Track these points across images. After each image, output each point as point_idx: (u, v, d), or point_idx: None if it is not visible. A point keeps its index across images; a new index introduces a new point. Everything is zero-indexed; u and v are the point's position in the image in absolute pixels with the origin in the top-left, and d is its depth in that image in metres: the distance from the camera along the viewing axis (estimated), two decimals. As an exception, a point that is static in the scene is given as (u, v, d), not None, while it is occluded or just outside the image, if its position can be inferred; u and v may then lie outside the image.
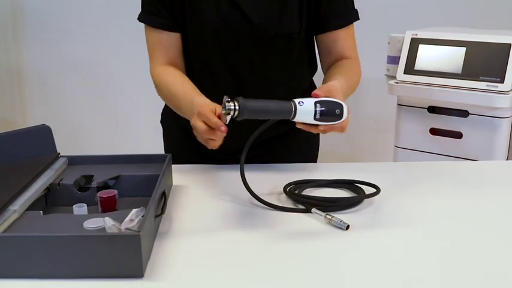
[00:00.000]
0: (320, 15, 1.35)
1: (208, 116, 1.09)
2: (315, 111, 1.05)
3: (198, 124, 1.11)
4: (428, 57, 2.04)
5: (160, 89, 1.38)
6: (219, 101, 1.24)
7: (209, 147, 1.14)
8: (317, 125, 1.09)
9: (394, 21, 2.45)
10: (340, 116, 1.07)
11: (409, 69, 2.06)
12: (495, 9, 2.76)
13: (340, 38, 1.38)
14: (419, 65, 2.05)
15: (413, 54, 2.06)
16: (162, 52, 1.38)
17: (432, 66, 2.03)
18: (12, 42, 2.98)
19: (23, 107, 3.08)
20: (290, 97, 1.30)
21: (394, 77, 2.11)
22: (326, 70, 1.43)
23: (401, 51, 2.10)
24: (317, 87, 1.53)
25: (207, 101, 1.20)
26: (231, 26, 1.32)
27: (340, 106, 1.08)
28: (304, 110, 1.06)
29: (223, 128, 1.07)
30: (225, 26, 1.32)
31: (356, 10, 1.40)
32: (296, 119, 1.07)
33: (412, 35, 2.09)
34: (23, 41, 2.97)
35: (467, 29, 2.13)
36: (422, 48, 2.06)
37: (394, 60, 2.15)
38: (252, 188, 1.18)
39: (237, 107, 1.05)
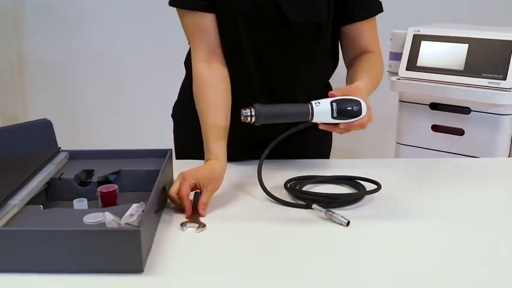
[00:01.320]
0: (346, 6, 1.36)
1: (182, 195, 1.13)
2: (332, 110, 1.07)
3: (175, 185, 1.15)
4: (430, 53, 2.03)
5: (196, 97, 1.34)
6: (245, 88, 1.22)
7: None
8: (337, 124, 1.11)
9: (396, 17, 2.44)
10: (359, 112, 1.08)
11: (411, 65, 2.06)
12: (498, 6, 2.76)
13: (364, 30, 1.39)
14: (421, 61, 2.05)
15: (415, 51, 2.06)
16: (203, 39, 1.33)
17: (434, 62, 2.02)
18: (13, 36, 2.97)
19: (24, 101, 3.08)
20: (311, 89, 1.29)
21: (396, 74, 2.11)
22: (349, 63, 1.42)
23: (403, 47, 2.09)
24: (332, 88, 1.53)
25: (208, 166, 1.22)
26: (261, 13, 1.30)
27: (358, 103, 1.09)
28: (321, 110, 1.08)
29: (187, 214, 1.11)
30: (255, 13, 1.30)
31: (380, 2, 1.40)
32: (315, 120, 1.10)
33: (415, 31, 2.08)
34: (24, 35, 2.97)
35: (470, 26, 2.12)
36: (424, 45, 2.05)
37: (396, 56, 2.15)
38: (253, 183, 1.19)
39: (253, 113, 1.08)
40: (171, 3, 1.34)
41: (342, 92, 1.11)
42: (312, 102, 1.09)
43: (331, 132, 1.59)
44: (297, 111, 1.10)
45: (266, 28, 1.32)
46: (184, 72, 1.51)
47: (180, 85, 1.54)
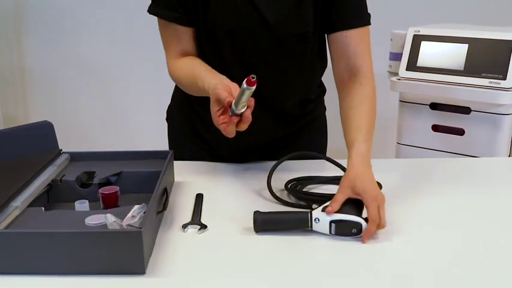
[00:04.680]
0: (332, 14, 1.31)
1: (221, 96, 1.07)
2: (330, 229, 1.04)
3: (211, 107, 1.09)
4: (430, 54, 2.04)
5: (179, 81, 1.35)
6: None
7: (225, 134, 1.10)
8: None
9: (396, 17, 2.44)
10: (358, 233, 1.03)
11: (412, 66, 2.06)
12: (498, 5, 2.76)
13: (352, 40, 1.31)
14: (421, 61, 2.05)
15: (415, 51, 2.06)
16: (177, 45, 1.34)
17: (434, 63, 2.02)
18: (14, 40, 2.98)
19: (25, 104, 3.09)
20: (302, 93, 1.27)
21: (396, 74, 2.11)
22: (339, 80, 1.34)
23: (403, 47, 2.10)
24: (326, 87, 1.52)
25: (221, 81, 1.15)
26: (245, 24, 1.29)
27: (358, 225, 1.03)
28: (320, 226, 1.05)
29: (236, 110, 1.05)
30: (239, 25, 1.29)
31: (369, 14, 1.34)
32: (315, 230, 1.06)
33: (415, 31, 2.09)
34: (26, 39, 2.98)
35: (470, 26, 2.13)
36: (424, 45, 2.05)
37: (396, 56, 2.15)
38: (254, 185, 1.19)
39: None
40: (149, 11, 1.34)
41: (343, 194, 1.07)
42: (313, 213, 1.05)
43: (326, 133, 1.59)
44: (296, 221, 1.06)
45: (251, 39, 1.31)
46: None
47: (173, 88, 1.55)
